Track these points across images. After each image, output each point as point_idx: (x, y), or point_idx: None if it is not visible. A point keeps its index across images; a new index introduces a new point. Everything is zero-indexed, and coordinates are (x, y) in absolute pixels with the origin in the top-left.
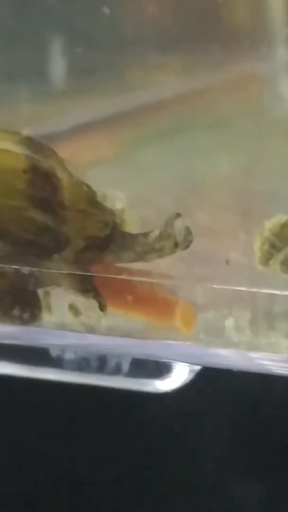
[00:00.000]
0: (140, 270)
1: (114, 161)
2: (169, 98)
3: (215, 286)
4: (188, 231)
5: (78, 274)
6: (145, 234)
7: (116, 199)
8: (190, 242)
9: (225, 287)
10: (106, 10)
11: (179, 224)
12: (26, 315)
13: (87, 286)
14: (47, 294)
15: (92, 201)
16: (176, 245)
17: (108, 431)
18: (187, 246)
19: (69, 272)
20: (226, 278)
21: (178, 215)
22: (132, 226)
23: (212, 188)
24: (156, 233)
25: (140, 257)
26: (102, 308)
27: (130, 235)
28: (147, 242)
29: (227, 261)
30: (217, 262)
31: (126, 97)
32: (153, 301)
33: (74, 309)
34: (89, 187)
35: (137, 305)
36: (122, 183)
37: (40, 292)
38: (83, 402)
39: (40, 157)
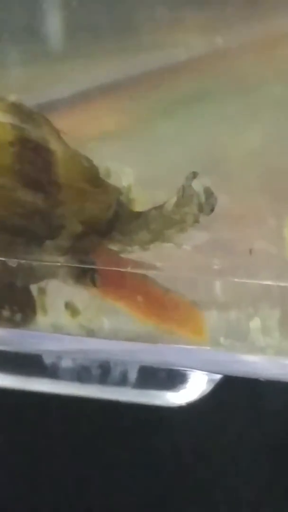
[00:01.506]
0: (149, 263)
1: (120, 133)
2: (186, 61)
3: (237, 280)
4: (209, 192)
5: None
6: (159, 207)
7: (122, 175)
8: (214, 205)
9: (250, 281)
10: None
11: (197, 186)
12: (17, 317)
13: (85, 278)
14: (41, 291)
15: (93, 177)
16: (200, 208)
17: (112, 453)
18: (211, 210)
19: (65, 264)
20: (250, 271)
21: (195, 174)
22: (141, 206)
23: (236, 165)
24: (172, 200)
25: (157, 237)
26: (94, 282)
27: (140, 213)
28: (163, 214)
29: (251, 251)
30: (240, 252)
31: (135, 59)
32: (165, 302)
33: (71, 308)
34: (89, 161)
35: (148, 307)
36: (129, 157)
37: (33, 288)
38: (82, 418)
39: (29, 127)
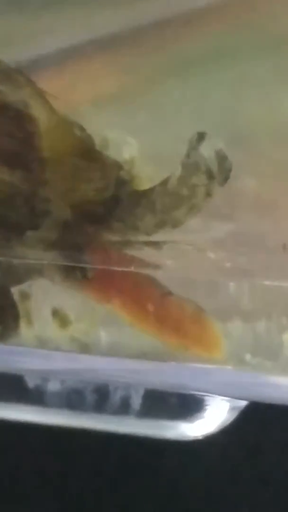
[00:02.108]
0: (158, 262)
1: (121, 97)
2: (202, 9)
3: (267, 283)
4: (222, 156)
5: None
6: (164, 182)
7: (124, 145)
8: (229, 171)
9: (283, 284)
10: None
11: (207, 150)
12: None
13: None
14: (24, 296)
15: (86, 150)
16: (210, 176)
17: (110, 497)
18: (226, 178)
19: (51, 263)
20: (284, 272)
21: (201, 134)
22: (146, 184)
23: (266, 140)
24: (178, 172)
25: (164, 220)
26: (87, 274)
27: (144, 192)
28: (169, 191)
29: (285, 247)
30: (272, 248)
31: (139, 7)
32: (174, 311)
33: (60, 317)
34: (83, 130)
35: (156, 317)
36: (132, 125)
37: (15, 292)
38: (73, 454)
39: (6, 89)
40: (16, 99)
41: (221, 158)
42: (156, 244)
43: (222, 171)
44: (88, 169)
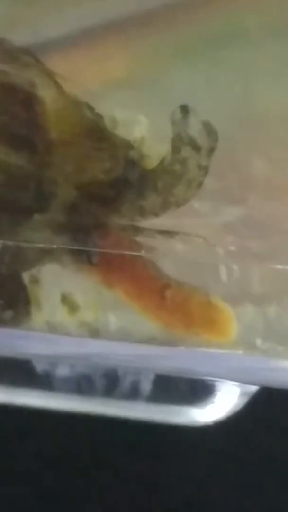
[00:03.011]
0: (167, 246)
1: (130, 79)
2: None
3: (279, 266)
4: (209, 127)
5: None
6: (161, 161)
7: (134, 124)
8: (215, 141)
9: None
10: None
11: (194, 123)
12: (7, 314)
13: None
14: (34, 280)
15: (94, 130)
16: (195, 147)
17: (119, 482)
18: (212, 149)
19: (59, 246)
20: None
21: (185, 108)
22: (156, 163)
23: (277, 122)
24: (170, 148)
25: (168, 199)
26: (92, 259)
27: (147, 172)
28: (167, 168)
29: None
30: (283, 231)
31: None
32: (184, 296)
33: (68, 302)
34: (91, 109)
35: (166, 308)
36: (142, 106)
37: (25, 277)
38: (82, 440)
39: (11, 69)
40: (22, 80)
41: (207, 129)
42: (168, 233)
43: (208, 141)
44: (97, 150)
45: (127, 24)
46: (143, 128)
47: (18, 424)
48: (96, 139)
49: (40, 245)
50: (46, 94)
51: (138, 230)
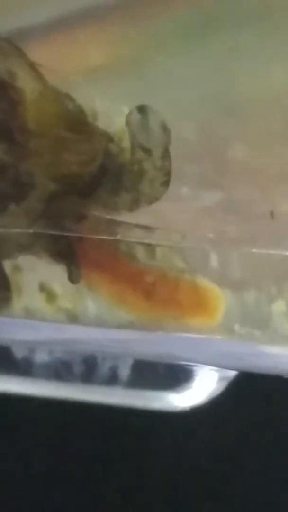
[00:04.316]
0: (146, 230)
1: (111, 68)
2: None
3: (256, 250)
4: (161, 129)
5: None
6: (125, 160)
7: (115, 115)
8: (167, 143)
9: (272, 251)
10: None
11: (153, 122)
12: None
13: (63, 248)
14: (16, 269)
15: (75, 121)
16: (146, 151)
17: (99, 468)
18: (164, 152)
19: (37, 231)
20: (273, 240)
21: (141, 108)
22: None
23: (256, 108)
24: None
25: (136, 196)
26: (73, 278)
27: (121, 168)
28: (128, 167)
29: (272, 214)
30: (260, 215)
31: None
32: (177, 283)
33: (47, 291)
34: (72, 100)
35: (159, 291)
36: (122, 97)
37: (7, 265)
38: (61, 426)
39: None
40: (1, 69)
41: (159, 131)
42: (147, 229)
43: (157, 144)
44: (76, 141)
45: (107, 11)
46: (123, 120)
47: None
48: (76, 131)
49: (17, 230)
50: (25, 84)
51: (116, 223)
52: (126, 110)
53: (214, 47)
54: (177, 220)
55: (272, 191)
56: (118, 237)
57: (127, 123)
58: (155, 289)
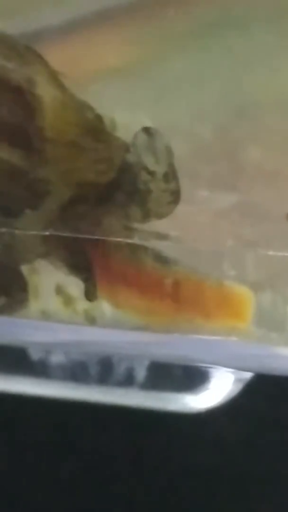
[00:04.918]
0: (161, 233)
1: (127, 70)
2: None
3: (272, 253)
4: (165, 152)
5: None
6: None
7: (134, 126)
8: (170, 165)
9: (287, 254)
10: None
11: (158, 144)
12: (1, 300)
13: (80, 262)
14: (33, 271)
15: (93, 130)
16: (150, 173)
17: (114, 470)
18: (166, 175)
19: (53, 233)
20: (287, 242)
21: (147, 129)
22: None
23: (270, 110)
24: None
25: (144, 212)
26: (89, 297)
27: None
28: (135, 185)
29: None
30: (276, 218)
31: None
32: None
33: (63, 294)
34: (91, 109)
35: (185, 295)
36: (139, 98)
37: (24, 267)
38: (77, 427)
39: (10, 64)
40: (21, 77)
41: (162, 154)
42: (162, 236)
43: (160, 167)
44: (93, 150)
45: (127, 11)
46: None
47: (14, 412)
48: (94, 140)
49: (32, 232)
50: (45, 92)
51: (131, 231)
52: (146, 121)
53: (229, 48)
54: (193, 222)
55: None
56: (135, 240)
57: (133, 144)
58: (182, 293)
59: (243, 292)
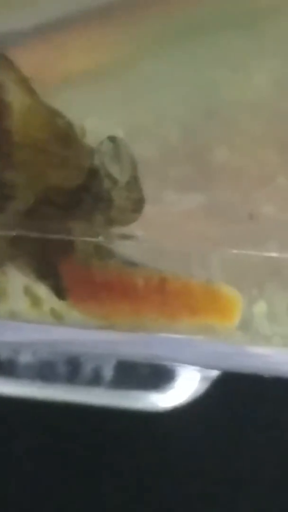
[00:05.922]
0: (127, 232)
1: (99, 76)
2: None
3: (236, 251)
4: (128, 161)
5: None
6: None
7: (103, 133)
8: (133, 170)
9: (253, 253)
10: None
11: (123, 153)
12: None
13: (46, 267)
14: (2, 273)
15: (62, 136)
16: (113, 180)
17: (82, 468)
18: (129, 183)
19: (19, 233)
20: (254, 241)
21: (112, 138)
22: None
23: (240, 112)
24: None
25: (108, 219)
26: (60, 295)
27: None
28: (98, 193)
29: (251, 216)
30: (241, 217)
31: None
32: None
33: (31, 295)
34: (62, 117)
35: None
36: (110, 106)
37: None
38: (45, 426)
39: None
40: None
41: (125, 162)
42: (127, 237)
43: (123, 175)
44: (62, 157)
45: (97, 16)
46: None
47: None
48: (62, 146)
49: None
50: (14, 97)
51: (97, 233)
52: (115, 126)
53: (197, 51)
54: (160, 223)
55: (252, 194)
56: (99, 238)
57: (98, 151)
58: (166, 294)
59: (229, 292)
